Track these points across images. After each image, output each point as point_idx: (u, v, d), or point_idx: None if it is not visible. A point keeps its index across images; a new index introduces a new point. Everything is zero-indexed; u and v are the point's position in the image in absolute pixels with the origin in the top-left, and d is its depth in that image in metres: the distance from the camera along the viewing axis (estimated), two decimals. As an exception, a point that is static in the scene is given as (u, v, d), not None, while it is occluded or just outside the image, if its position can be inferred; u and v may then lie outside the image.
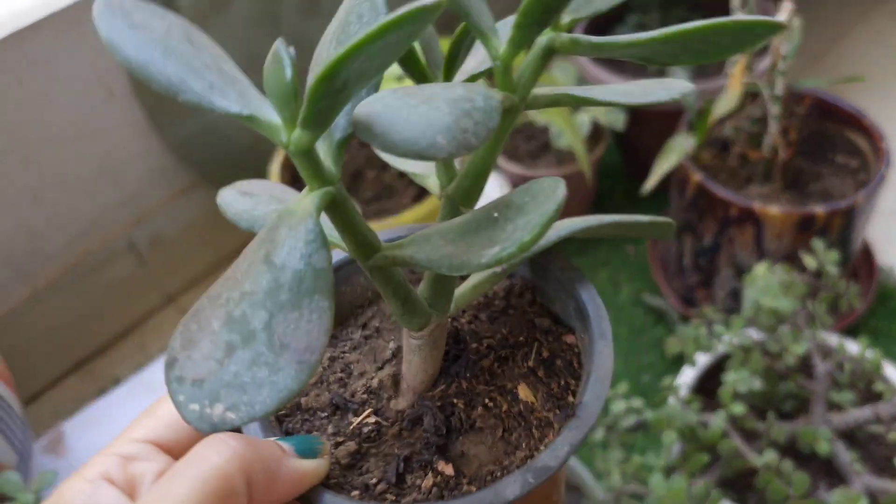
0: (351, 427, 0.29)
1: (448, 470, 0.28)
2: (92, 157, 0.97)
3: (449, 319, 0.31)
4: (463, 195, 0.27)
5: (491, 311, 0.33)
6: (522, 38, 0.24)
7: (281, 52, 0.20)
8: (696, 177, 0.88)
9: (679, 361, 0.97)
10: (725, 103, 0.87)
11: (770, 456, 0.64)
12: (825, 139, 0.96)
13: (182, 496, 0.22)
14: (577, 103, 0.26)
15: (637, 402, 0.79)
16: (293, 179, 0.94)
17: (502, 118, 0.23)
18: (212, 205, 1.26)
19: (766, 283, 0.71)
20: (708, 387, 0.80)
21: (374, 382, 0.30)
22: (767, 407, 0.75)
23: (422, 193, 0.85)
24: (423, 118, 0.20)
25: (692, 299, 1.02)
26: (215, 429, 0.20)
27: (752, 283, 0.73)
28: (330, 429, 0.30)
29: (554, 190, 0.22)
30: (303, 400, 0.30)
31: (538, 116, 1.02)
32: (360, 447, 0.29)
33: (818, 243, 0.75)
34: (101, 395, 1.01)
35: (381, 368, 0.31)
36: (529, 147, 1.10)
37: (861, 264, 1.04)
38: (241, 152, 1.11)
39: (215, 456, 0.23)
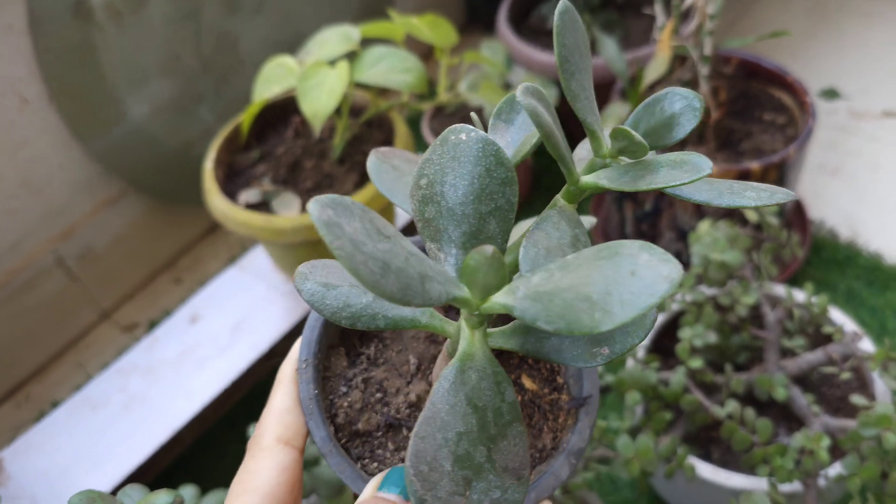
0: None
1: None
2: (11, 172, 0.92)
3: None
4: None
5: None
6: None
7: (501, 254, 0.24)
8: (633, 143, 0.89)
9: (630, 328, 0.98)
10: (656, 68, 0.88)
11: (732, 406, 0.65)
12: (752, 98, 0.98)
13: None
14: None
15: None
16: (226, 178, 0.91)
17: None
18: (143, 213, 1.22)
19: (712, 238, 0.72)
20: (663, 346, 0.81)
21: (413, 397, 0.34)
22: (723, 360, 0.76)
23: (363, 180, 0.83)
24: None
25: (637, 267, 1.03)
26: None
27: (697, 239, 0.74)
28: (390, 445, 0.33)
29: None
30: (359, 426, 0.33)
31: (472, 96, 1.01)
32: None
33: (757, 196, 0.76)
34: (39, 419, 0.96)
35: (409, 382, 0.34)
36: (465, 129, 1.09)
37: (794, 219, 1.07)
38: (171, 156, 1.07)
39: None
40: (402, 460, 0.32)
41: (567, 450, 0.32)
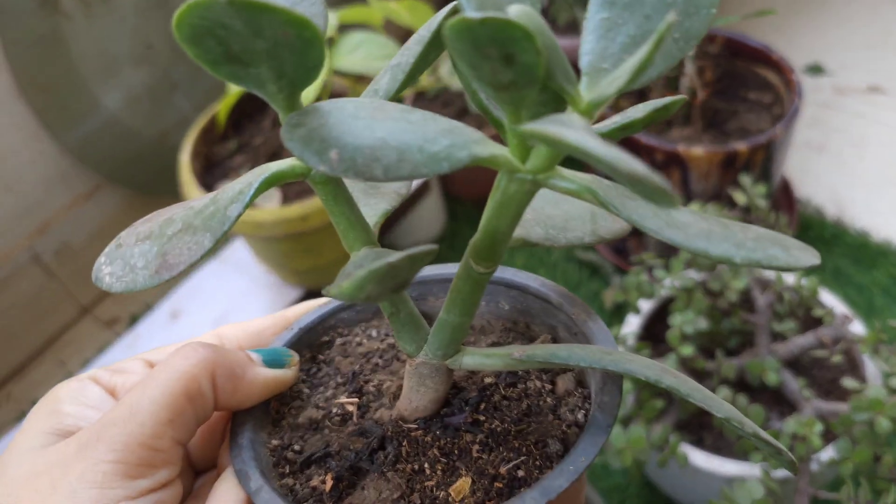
0: (336, 401, 0.32)
1: (327, 487, 0.29)
2: (-20, 167, 0.90)
3: (453, 371, 0.30)
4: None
5: (515, 398, 0.31)
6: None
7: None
8: (618, 126, 0.88)
9: (619, 312, 0.97)
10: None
11: (725, 393, 0.64)
12: (737, 76, 0.97)
13: (154, 395, 0.26)
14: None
15: (586, 357, 0.79)
16: (203, 170, 0.89)
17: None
18: (119, 205, 1.19)
19: (700, 222, 0.71)
20: (653, 332, 0.80)
21: (386, 385, 0.32)
22: (713, 346, 0.75)
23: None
24: None
25: (624, 249, 1.02)
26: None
27: (686, 224, 0.73)
28: (329, 393, 0.32)
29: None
30: (338, 359, 0.34)
31: (453, 80, 0.99)
32: (323, 421, 0.31)
33: (746, 179, 0.75)
34: (20, 420, 0.94)
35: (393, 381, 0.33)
36: (447, 113, 1.07)
37: (781, 197, 1.06)
38: (147, 146, 1.05)
39: (184, 361, 0.27)
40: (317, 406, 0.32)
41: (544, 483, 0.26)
